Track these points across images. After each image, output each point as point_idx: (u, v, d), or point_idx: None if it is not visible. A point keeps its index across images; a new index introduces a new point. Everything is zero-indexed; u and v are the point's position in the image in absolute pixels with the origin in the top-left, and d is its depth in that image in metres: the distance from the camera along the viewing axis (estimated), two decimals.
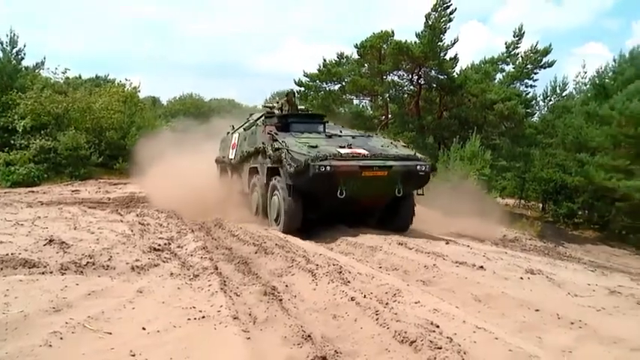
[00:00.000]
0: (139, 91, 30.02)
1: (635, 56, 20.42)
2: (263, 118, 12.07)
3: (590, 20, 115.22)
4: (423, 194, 10.19)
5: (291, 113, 12.03)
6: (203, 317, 4.04)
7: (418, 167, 9.32)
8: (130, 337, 3.62)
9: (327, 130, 11.19)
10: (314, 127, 11.20)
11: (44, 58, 28.44)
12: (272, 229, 9.49)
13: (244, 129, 12.71)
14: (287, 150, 9.12)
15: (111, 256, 6.06)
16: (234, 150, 12.69)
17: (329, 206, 9.35)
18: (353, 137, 10.64)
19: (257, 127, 11.47)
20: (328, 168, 8.59)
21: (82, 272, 5.32)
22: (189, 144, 16.41)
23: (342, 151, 9.25)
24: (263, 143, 10.30)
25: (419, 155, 9.85)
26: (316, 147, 9.25)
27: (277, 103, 13.43)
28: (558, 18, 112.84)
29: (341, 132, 11.24)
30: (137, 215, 11.07)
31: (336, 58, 22.78)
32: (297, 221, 9.28)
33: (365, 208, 9.88)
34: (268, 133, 10.25)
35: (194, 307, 4.26)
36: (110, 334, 3.65)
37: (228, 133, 14.00)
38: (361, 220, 9.92)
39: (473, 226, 12.14)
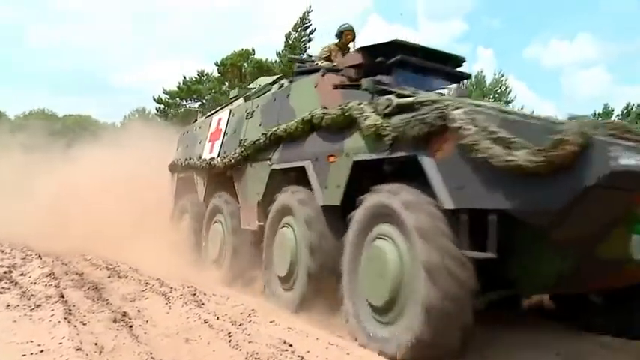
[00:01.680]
0: None
1: (479, 79, 22.29)
2: (293, 76, 6.63)
3: (443, 45, 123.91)
4: None
5: (403, 42, 5.66)
6: (41, 351, 3.71)
7: None
8: None
9: None
10: (440, 83, 5.95)
11: None
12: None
13: (245, 99, 7.86)
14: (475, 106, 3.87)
15: None
16: (219, 142, 7.70)
17: (555, 278, 4.02)
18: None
19: (291, 85, 6.38)
20: None
21: None
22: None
23: None
24: (325, 108, 5.22)
25: None
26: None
27: (318, 52, 7.33)
28: (415, 41, 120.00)
29: None
30: None
31: (196, 75, 22.60)
32: (457, 325, 3.69)
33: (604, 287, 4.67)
34: (337, 87, 5.32)
35: (32, 341, 3.91)
36: None
37: (195, 120, 9.90)
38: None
39: None
